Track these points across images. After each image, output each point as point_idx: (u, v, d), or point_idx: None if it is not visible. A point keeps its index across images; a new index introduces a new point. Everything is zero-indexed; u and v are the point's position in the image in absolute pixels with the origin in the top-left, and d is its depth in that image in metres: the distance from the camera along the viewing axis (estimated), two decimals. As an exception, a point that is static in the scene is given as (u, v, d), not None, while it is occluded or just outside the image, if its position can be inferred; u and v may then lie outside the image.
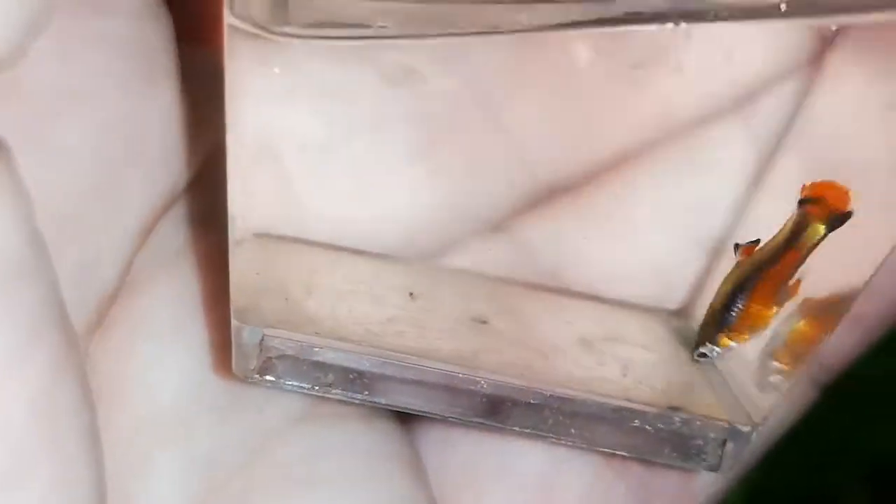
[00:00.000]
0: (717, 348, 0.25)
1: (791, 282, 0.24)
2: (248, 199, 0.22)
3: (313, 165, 0.24)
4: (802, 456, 0.43)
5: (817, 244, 0.23)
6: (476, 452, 0.27)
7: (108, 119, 0.23)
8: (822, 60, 0.23)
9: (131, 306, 0.24)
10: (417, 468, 0.27)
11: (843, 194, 0.23)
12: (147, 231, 0.24)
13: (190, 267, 0.25)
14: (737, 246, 0.24)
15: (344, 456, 0.26)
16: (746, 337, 0.25)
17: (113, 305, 0.24)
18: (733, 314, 0.24)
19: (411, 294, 0.25)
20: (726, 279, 0.24)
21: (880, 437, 0.52)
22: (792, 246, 0.24)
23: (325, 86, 0.23)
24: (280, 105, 0.23)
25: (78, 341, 0.21)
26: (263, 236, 0.24)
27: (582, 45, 0.22)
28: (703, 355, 0.25)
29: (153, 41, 0.23)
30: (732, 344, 0.25)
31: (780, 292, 0.24)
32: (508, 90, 0.24)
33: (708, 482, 0.28)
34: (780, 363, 0.24)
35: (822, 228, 0.23)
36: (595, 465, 0.27)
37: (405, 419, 0.28)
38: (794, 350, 0.24)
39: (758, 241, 0.24)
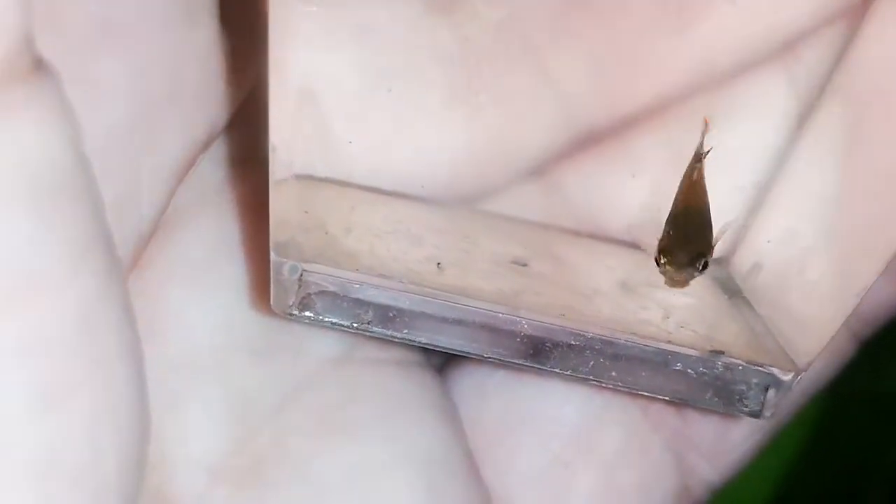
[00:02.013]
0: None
1: None
2: (288, 140, 0.22)
3: (353, 106, 0.24)
4: (824, 464, 0.43)
5: None
6: (511, 403, 0.27)
7: (147, 55, 0.23)
8: (867, 5, 0.23)
9: (168, 245, 0.24)
10: (452, 416, 0.26)
11: None
12: (185, 169, 0.24)
13: (228, 206, 0.25)
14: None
15: (378, 401, 0.25)
16: None
17: (150, 244, 0.24)
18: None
19: (439, 264, 0.25)
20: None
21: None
22: None
23: (367, 26, 0.23)
24: (322, 45, 0.22)
25: (121, 266, 0.21)
26: (303, 177, 0.23)
27: None
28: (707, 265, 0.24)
29: None
30: None
31: None
32: (551, 33, 0.24)
33: (744, 436, 0.28)
34: (825, 306, 0.24)
35: None
36: (632, 417, 0.27)
37: (441, 368, 0.27)
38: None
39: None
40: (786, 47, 0.24)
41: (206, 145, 0.25)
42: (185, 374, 0.24)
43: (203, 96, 0.24)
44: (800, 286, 0.25)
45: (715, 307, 0.25)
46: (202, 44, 0.24)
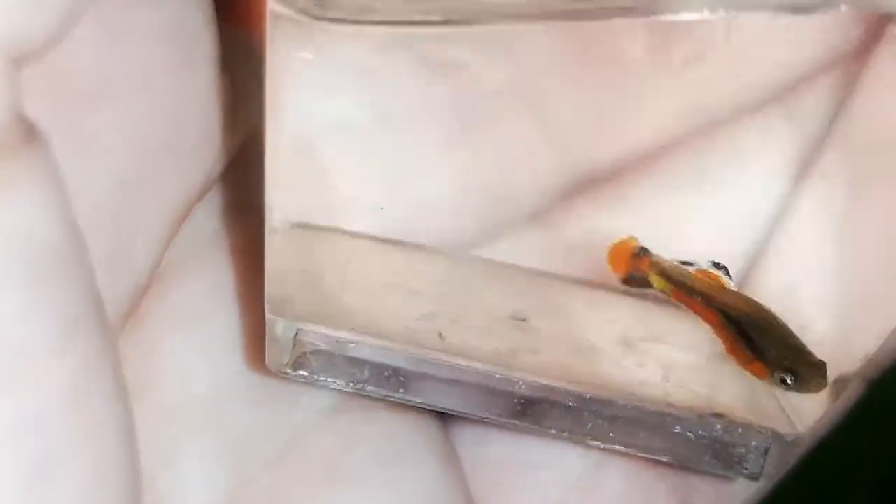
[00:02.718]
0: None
1: None
2: (285, 188, 0.22)
3: (351, 154, 0.23)
4: (811, 470, 0.42)
5: None
6: (513, 449, 0.27)
7: (144, 107, 0.22)
8: (868, 52, 0.23)
9: (163, 296, 0.24)
10: (452, 462, 0.26)
11: None
12: (181, 219, 0.24)
13: (223, 255, 0.25)
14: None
15: (376, 449, 0.25)
16: None
17: (145, 295, 0.24)
18: None
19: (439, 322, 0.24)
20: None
21: (890, 451, 0.52)
22: None
23: (366, 74, 0.23)
24: (320, 93, 0.22)
25: (114, 333, 0.20)
26: (300, 226, 0.23)
27: (626, 35, 0.22)
28: (785, 381, 0.23)
29: (192, 27, 0.23)
30: None
31: None
32: (548, 80, 0.23)
33: (748, 483, 0.27)
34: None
35: None
36: (635, 464, 0.26)
37: (441, 412, 0.27)
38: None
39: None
40: (784, 93, 0.24)
41: (202, 193, 0.24)
42: (180, 426, 0.24)
43: (200, 145, 0.24)
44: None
45: (715, 365, 0.25)
46: (200, 93, 0.23)
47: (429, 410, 0.26)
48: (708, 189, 0.25)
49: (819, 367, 0.23)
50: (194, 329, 0.24)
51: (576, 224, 0.25)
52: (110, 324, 0.20)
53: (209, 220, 0.25)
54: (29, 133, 0.17)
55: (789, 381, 0.23)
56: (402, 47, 0.22)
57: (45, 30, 0.17)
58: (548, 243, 0.25)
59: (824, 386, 0.23)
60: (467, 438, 0.27)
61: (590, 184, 0.24)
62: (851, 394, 0.27)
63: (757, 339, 0.23)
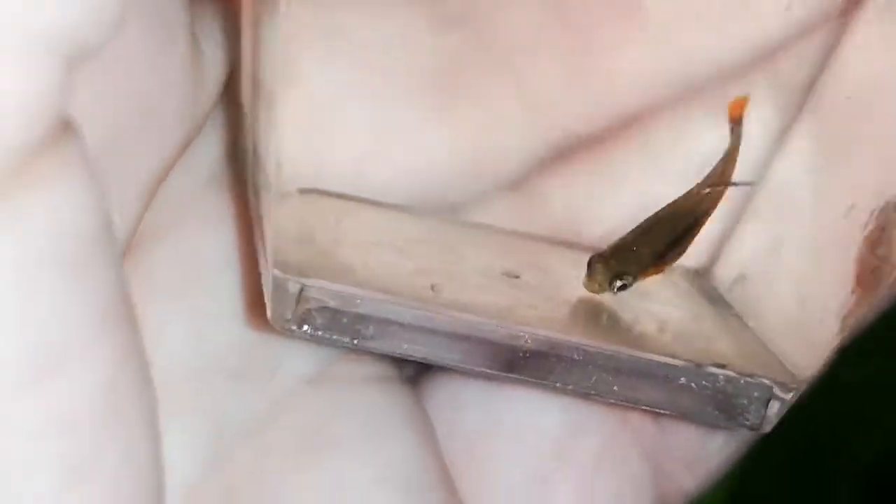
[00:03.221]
0: (637, 280, 0.24)
1: None
2: (296, 155, 0.22)
3: (339, 117, 0.23)
4: (793, 456, 0.43)
5: None
6: (486, 414, 0.26)
7: (118, 76, 0.22)
8: (851, 12, 0.23)
9: (138, 265, 0.24)
10: (429, 432, 0.26)
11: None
12: (154, 189, 0.24)
13: (200, 221, 0.25)
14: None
15: (354, 421, 0.25)
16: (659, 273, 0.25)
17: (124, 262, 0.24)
18: (676, 246, 0.25)
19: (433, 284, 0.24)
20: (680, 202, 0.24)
21: (873, 438, 0.52)
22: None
23: (356, 40, 0.23)
24: (324, 59, 0.22)
25: (138, 324, 0.20)
26: (305, 191, 0.23)
27: None
28: (623, 287, 0.24)
29: None
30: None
31: None
32: (528, 45, 0.23)
33: (719, 447, 0.28)
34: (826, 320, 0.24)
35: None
36: (611, 427, 0.26)
37: (413, 379, 0.27)
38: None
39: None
40: (764, 58, 0.24)
41: (174, 161, 0.24)
42: (159, 397, 0.24)
43: (176, 112, 0.23)
44: (791, 297, 0.25)
45: (706, 319, 0.25)
46: (171, 61, 0.23)
47: (405, 382, 0.26)
48: (685, 153, 0.25)
49: (610, 266, 0.24)
50: (172, 299, 0.24)
51: (557, 189, 0.25)
52: (136, 315, 0.20)
53: (185, 184, 0.25)
54: (67, 128, 0.17)
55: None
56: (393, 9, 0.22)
57: (105, 28, 0.17)
58: (530, 208, 0.25)
59: (597, 287, 0.24)
60: (441, 406, 0.27)
61: (570, 149, 0.25)
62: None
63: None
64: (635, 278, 0.24)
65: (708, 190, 0.25)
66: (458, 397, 0.27)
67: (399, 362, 0.25)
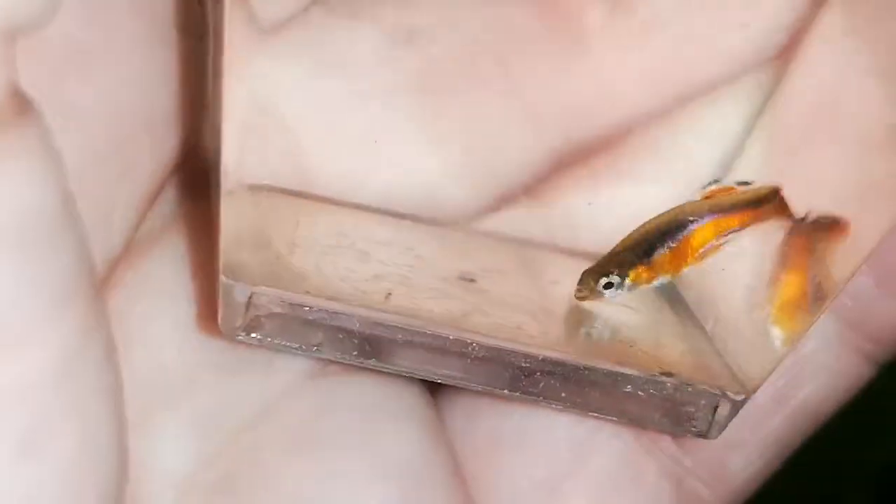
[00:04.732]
0: (627, 281, 0.24)
1: (720, 241, 0.24)
2: (240, 151, 0.22)
3: (303, 117, 0.24)
4: (804, 464, 0.43)
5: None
6: (503, 422, 0.27)
7: (121, 80, 0.23)
8: (811, 23, 0.23)
9: (135, 265, 0.24)
10: (434, 429, 0.26)
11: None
12: (156, 191, 0.24)
13: (195, 225, 0.25)
14: (715, 182, 0.24)
15: (353, 415, 0.25)
16: (653, 279, 0.25)
17: (122, 265, 0.24)
18: (664, 248, 0.24)
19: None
20: (673, 210, 0.24)
21: (885, 447, 0.52)
22: (749, 208, 0.23)
23: (320, 39, 0.23)
24: (276, 58, 0.22)
25: (104, 305, 0.21)
26: (255, 188, 0.23)
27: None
28: (610, 285, 0.24)
29: (167, 1, 0.23)
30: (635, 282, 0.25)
31: (708, 245, 0.24)
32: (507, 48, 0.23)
33: (742, 466, 0.27)
34: (776, 330, 0.24)
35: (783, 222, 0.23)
36: (624, 442, 0.26)
37: (433, 391, 0.27)
38: (788, 317, 0.24)
39: (746, 183, 0.24)
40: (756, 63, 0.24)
41: (176, 167, 0.25)
42: (153, 393, 0.24)
43: (174, 119, 0.24)
44: (743, 304, 0.25)
45: (664, 325, 0.25)
46: (174, 66, 0.24)
47: (411, 378, 0.27)
48: (656, 156, 0.25)
49: (596, 276, 0.24)
50: (166, 297, 0.25)
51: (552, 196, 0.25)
52: (101, 294, 0.21)
53: (183, 191, 0.25)
54: (23, 105, 0.18)
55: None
56: (360, 14, 0.23)
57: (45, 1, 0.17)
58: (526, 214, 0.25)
59: (585, 294, 0.24)
60: (457, 411, 0.27)
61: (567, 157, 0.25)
62: (857, 372, 0.27)
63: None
64: (623, 278, 0.24)
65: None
66: (474, 404, 0.27)
67: None
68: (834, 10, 0.23)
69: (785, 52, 0.24)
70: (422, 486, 0.25)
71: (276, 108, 0.23)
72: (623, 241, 0.25)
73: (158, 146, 0.24)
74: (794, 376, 0.26)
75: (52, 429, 0.18)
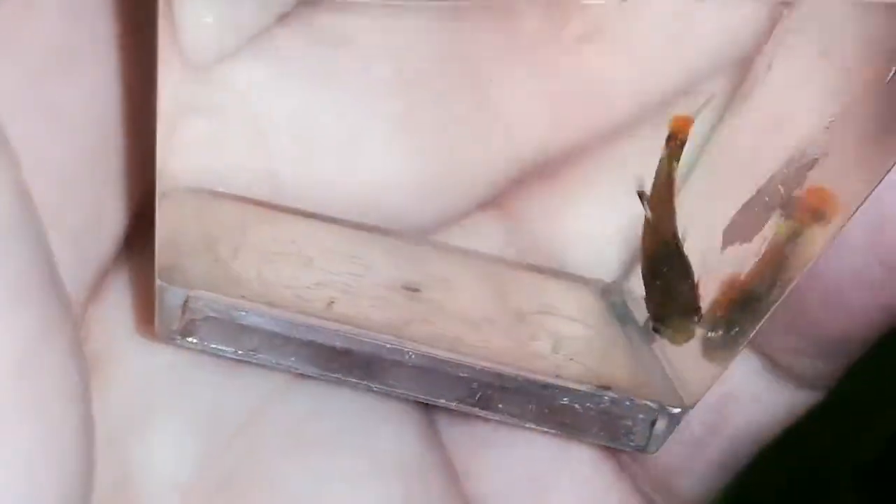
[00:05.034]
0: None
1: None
2: (176, 153, 0.22)
3: (242, 117, 0.23)
4: (788, 460, 0.43)
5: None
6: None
7: (108, 85, 0.22)
8: (768, 39, 0.23)
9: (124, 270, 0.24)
10: (428, 427, 0.26)
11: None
12: (146, 197, 0.24)
13: None
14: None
15: (349, 414, 0.25)
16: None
17: (113, 272, 0.24)
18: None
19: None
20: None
21: (874, 438, 0.51)
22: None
23: (260, 40, 0.23)
24: (214, 57, 0.22)
25: (69, 304, 0.21)
26: (192, 192, 0.23)
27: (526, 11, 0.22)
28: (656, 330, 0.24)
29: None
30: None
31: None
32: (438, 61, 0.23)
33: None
34: (714, 345, 0.24)
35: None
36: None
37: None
38: (727, 332, 0.24)
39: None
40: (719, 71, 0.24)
41: None
42: (148, 395, 0.24)
43: None
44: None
45: (606, 337, 0.25)
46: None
47: None
48: (610, 173, 0.25)
49: (687, 315, 0.23)
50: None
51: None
52: (67, 296, 0.21)
53: None
54: None
55: (658, 330, 0.23)
56: (298, 18, 0.22)
57: None
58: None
59: (689, 337, 0.23)
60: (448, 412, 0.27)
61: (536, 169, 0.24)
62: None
63: (645, 273, 0.24)
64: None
65: None
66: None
67: None
68: (790, 26, 0.23)
69: (740, 67, 0.23)
70: (421, 482, 0.25)
71: (217, 109, 0.23)
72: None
73: (147, 150, 0.24)
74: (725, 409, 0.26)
75: (9, 427, 0.19)
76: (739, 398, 0.26)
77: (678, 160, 0.23)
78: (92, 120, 0.22)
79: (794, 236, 0.23)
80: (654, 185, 0.24)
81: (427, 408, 0.27)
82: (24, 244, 0.19)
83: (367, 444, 0.25)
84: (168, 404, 0.24)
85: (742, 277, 0.23)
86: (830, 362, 0.26)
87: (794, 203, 0.23)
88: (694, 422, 0.26)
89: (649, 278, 0.24)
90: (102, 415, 0.21)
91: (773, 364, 0.26)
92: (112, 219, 0.23)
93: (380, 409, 0.26)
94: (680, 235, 0.24)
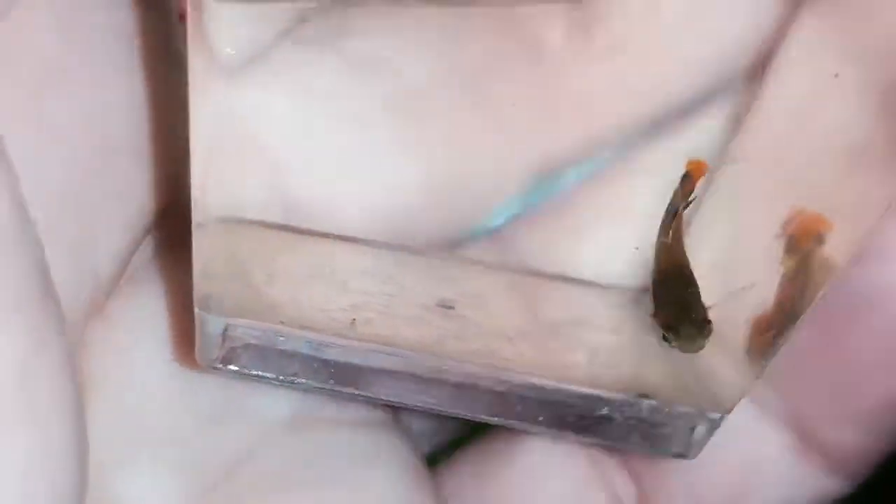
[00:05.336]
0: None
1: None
2: (211, 183, 0.22)
3: (275, 147, 0.24)
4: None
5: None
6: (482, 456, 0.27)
7: (101, 102, 0.23)
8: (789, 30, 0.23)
9: (131, 296, 0.24)
10: (417, 470, 0.26)
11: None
12: (146, 222, 0.24)
13: (184, 258, 0.25)
14: None
15: (337, 460, 0.25)
16: None
17: (114, 295, 0.24)
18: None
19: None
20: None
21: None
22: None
23: (288, 70, 0.23)
24: (243, 88, 0.22)
25: (62, 318, 0.21)
26: (225, 221, 0.23)
27: (546, 22, 0.22)
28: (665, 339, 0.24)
29: (148, 27, 0.23)
30: None
31: None
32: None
33: None
34: (752, 350, 0.24)
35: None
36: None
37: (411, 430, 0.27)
38: (764, 337, 0.24)
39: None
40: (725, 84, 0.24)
41: (168, 197, 0.25)
42: (137, 428, 0.24)
43: (159, 147, 0.24)
44: (724, 324, 0.25)
45: (641, 346, 0.25)
46: (156, 93, 0.24)
47: (396, 427, 0.27)
48: (638, 181, 0.25)
49: (698, 326, 0.23)
50: (156, 336, 0.25)
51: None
52: (60, 310, 0.21)
53: (175, 221, 0.25)
54: None
55: (668, 338, 0.23)
56: (324, 43, 0.23)
57: None
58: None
59: (700, 346, 0.23)
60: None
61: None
62: None
63: (656, 290, 0.24)
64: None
65: None
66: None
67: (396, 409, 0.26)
68: (806, 25, 0.23)
69: (756, 72, 0.23)
70: None
71: (249, 140, 0.23)
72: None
73: (147, 173, 0.24)
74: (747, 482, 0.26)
75: (3, 434, 0.19)
76: (764, 473, 0.26)
77: (689, 196, 0.24)
78: (89, 136, 0.22)
79: (802, 265, 0.23)
80: (667, 212, 0.24)
81: (419, 451, 0.27)
82: (19, 258, 0.19)
83: (355, 485, 0.25)
84: (155, 440, 0.24)
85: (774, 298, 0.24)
86: (869, 438, 0.25)
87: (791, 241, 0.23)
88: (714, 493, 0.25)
89: (660, 292, 0.24)
90: (91, 438, 0.21)
91: (807, 439, 0.25)
92: (110, 235, 0.23)
93: (369, 453, 0.26)
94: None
